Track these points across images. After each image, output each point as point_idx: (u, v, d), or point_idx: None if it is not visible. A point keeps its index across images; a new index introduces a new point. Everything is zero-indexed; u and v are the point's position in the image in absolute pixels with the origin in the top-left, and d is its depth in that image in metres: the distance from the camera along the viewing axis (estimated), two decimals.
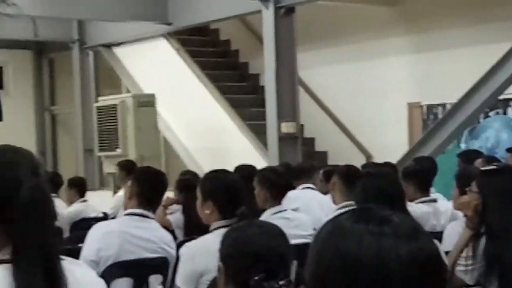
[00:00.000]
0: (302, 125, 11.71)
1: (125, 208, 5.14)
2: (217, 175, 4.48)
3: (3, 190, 2.13)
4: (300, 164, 8.69)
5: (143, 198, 4.98)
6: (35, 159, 2.24)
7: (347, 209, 1.54)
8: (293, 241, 2.71)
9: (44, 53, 16.29)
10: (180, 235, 6.95)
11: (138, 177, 5.13)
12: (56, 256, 2.14)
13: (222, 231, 2.88)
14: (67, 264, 2.18)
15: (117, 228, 4.95)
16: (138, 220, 4.95)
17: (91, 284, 2.29)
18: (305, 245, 5.11)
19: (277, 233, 2.61)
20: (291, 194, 6.68)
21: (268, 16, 10.83)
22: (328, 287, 1.40)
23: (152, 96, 12.11)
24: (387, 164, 7.38)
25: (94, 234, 4.91)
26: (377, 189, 4.22)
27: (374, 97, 12.16)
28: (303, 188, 7.71)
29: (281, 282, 2.42)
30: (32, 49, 16.01)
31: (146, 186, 5.01)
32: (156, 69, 13.43)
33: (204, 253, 4.09)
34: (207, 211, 4.30)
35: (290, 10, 10.87)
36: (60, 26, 14.24)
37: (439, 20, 11.39)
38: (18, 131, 14.26)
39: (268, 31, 10.84)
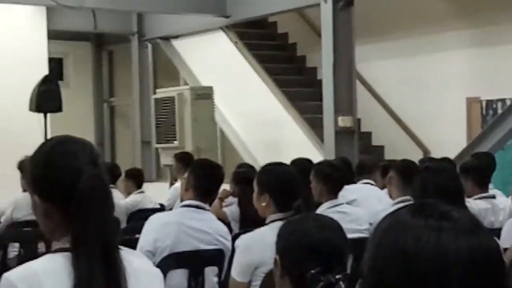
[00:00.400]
0: (359, 119, 11.65)
1: (182, 200, 5.18)
2: (274, 168, 4.48)
3: (64, 180, 2.15)
4: (361, 160, 8.66)
5: (200, 190, 5.01)
6: (95, 150, 2.26)
7: (404, 204, 1.53)
8: (349, 236, 2.70)
9: (103, 45, 16.46)
10: (235, 227, 6.97)
11: (195, 169, 5.16)
12: (115, 246, 2.16)
13: (278, 224, 2.88)
14: (125, 254, 2.20)
15: (174, 219, 4.98)
16: (194, 211, 4.98)
17: (148, 274, 2.30)
18: (361, 240, 5.09)
19: (334, 227, 2.60)
20: (350, 186, 6.68)
21: (326, 9, 10.78)
22: (386, 281, 1.40)
23: (209, 88, 12.15)
24: (445, 160, 7.31)
25: (151, 225, 4.95)
26: (437, 185, 4.17)
27: (432, 91, 12.03)
28: (363, 183, 7.69)
29: (337, 276, 2.41)
30: (92, 41, 16.19)
31: (203, 178, 5.03)
32: (214, 61, 13.47)
33: (259, 245, 4.10)
34: (263, 204, 4.31)
35: (349, 3, 10.80)
36: (120, 18, 14.38)
37: (500, 15, 11.22)
38: (77, 122, 14.43)
39: (326, 24, 10.80)
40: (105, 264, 2.10)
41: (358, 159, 9.65)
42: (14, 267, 2.23)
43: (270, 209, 4.29)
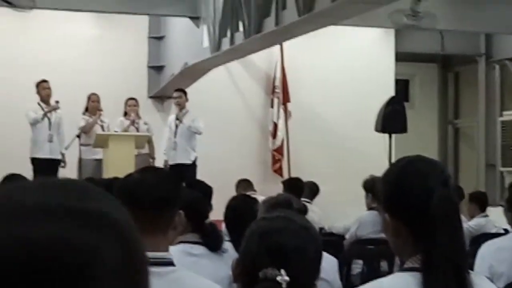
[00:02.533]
0: None
1: None
2: None
3: (414, 199, 2.18)
4: None
5: None
6: (445, 170, 2.27)
7: None
8: None
9: (449, 67, 16.37)
10: None
11: None
12: (466, 268, 2.14)
13: None
14: (474, 277, 2.17)
15: (508, 244, 4.82)
16: None
17: None
18: None
19: None
20: None
21: None
22: None
23: None
24: None
25: (486, 250, 4.82)
26: None
27: None
28: None
29: None
30: (438, 62, 16.18)
31: None
32: None
33: None
34: None
35: None
36: (467, 39, 14.27)
37: None
38: (421, 142, 14.47)
39: None
40: (458, 286, 2.08)
41: None
42: (357, 284, 2.28)
43: None
